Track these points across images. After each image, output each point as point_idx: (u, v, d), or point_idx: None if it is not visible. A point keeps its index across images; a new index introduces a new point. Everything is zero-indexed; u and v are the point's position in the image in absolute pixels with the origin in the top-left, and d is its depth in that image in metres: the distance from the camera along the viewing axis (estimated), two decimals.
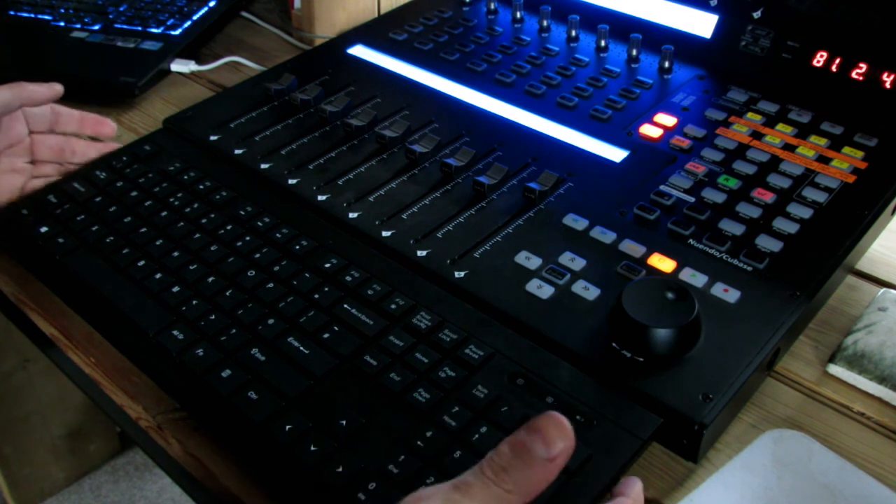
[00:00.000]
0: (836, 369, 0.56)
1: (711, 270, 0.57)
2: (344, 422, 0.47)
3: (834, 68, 0.73)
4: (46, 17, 0.97)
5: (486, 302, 0.55)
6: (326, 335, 0.53)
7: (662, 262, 0.58)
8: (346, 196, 0.65)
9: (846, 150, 0.68)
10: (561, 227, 0.61)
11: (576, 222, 0.62)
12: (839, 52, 0.72)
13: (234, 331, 0.53)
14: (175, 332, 0.53)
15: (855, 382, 0.55)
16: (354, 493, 0.44)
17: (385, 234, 0.61)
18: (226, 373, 0.50)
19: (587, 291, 0.56)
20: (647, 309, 0.51)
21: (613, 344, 0.52)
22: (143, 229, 0.62)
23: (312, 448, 0.46)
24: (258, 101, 0.76)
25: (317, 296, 0.55)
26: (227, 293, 0.56)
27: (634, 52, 0.81)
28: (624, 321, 0.51)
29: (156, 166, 0.69)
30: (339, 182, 0.66)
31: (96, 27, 0.94)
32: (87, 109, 0.75)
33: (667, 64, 0.79)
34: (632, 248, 0.59)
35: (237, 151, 0.70)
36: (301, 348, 0.52)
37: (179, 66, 0.91)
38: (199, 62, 0.92)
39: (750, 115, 0.72)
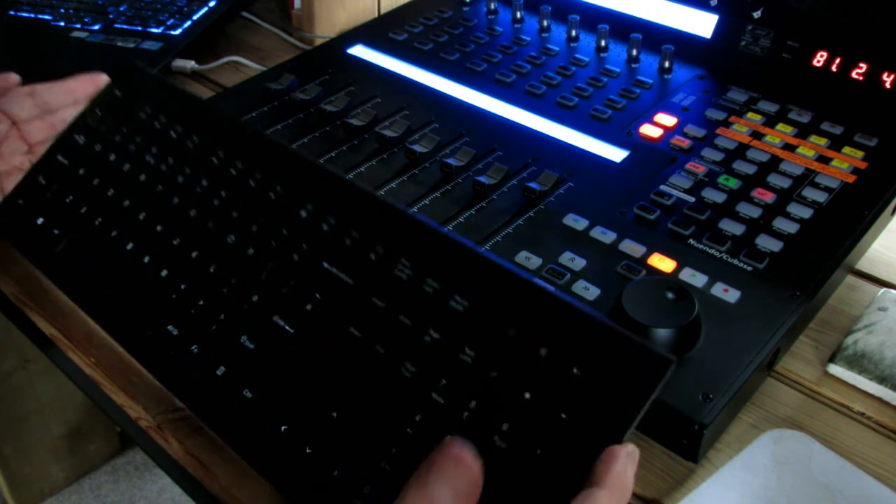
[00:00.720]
0: (836, 369, 0.56)
1: (711, 270, 0.57)
2: (335, 413, 0.47)
3: (834, 68, 0.73)
4: (46, 17, 0.97)
5: None
6: (309, 306, 0.50)
7: (662, 262, 0.58)
8: None
9: (846, 150, 0.68)
10: (561, 227, 0.61)
11: (576, 222, 0.62)
12: (839, 52, 0.72)
13: (222, 316, 0.51)
14: (170, 328, 0.53)
15: (855, 382, 0.55)
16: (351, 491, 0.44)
17: None
18: (220, 370, 0.50)
19: (587, 291, 0.56)
20: (647, 309, 0.51)
21: None
22: (126, 203, 0.59)
23: (307, 443, 0.46)
24: (258, 101, 0.76)
25: (296, 256, 0.52)
26: (211, 269, 0.53)
27: (634, 52, 0.81)
28: (624, 321, 0.51)
29: (128, 115, 0.64)
30: None
31: (96, 27, 0.94)
32: None
33: (667, 64, 0.79)
34: (632, 248, 0.59)
35: None
36: (286, 328, 0.50)
37: (180, 65, 0.91)
38: (199, 62, 0.92)
39: (750, 114, 0.72)
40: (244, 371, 0.50)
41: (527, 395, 0.40)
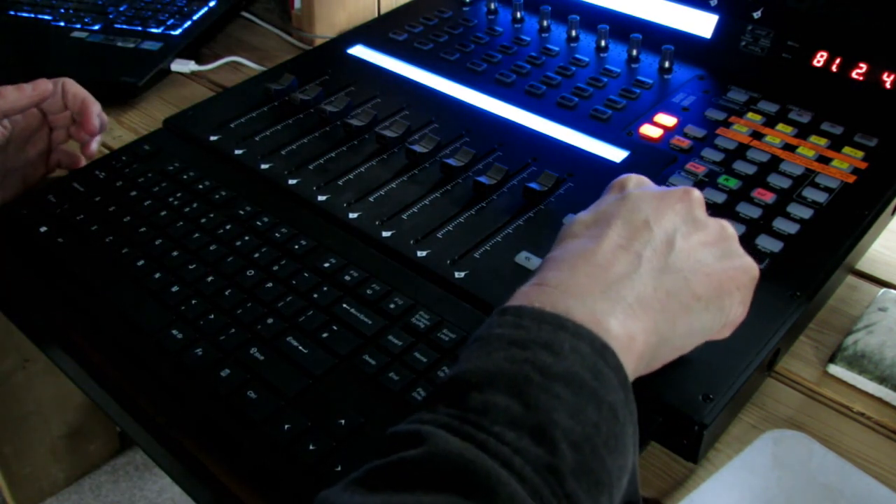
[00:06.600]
0: (836, 369, 0.55)
1: None
2: (343, 421, 0.47)
3: (834, 68, 0.73)
4: (46, 17, 0.97)
5: (487, 302, 0.55)
6: (325, 335, 0.53)
7: None
8: (346, 196, 0.65)
9: (846, 150, 0.68)
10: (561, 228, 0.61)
11: None
12: (839, 52, 0.72)
13: (233, 330, 0.53)
14: (174, 332, 0.53)
15: (855, 382, 0.55)
16: None
17: (385, 234, 0.61)
18: (225, 372, 0.50)
19: None
20: None
21: None
22: (143, 229, 0.62)
23: (311, 447, 0.46)
24: (258, 101, 0.76)
25: (316, 295, 0.55)
26: (227, 293, 0.56)
27: (634, 52, 0.81)
28: None
29: (155, 166, 0.69)
30: (339, 182, 0.66)
31: (96, 27, 0.94)
32: None
33: (667, 64, 0.79)
34: None
35: (237, 151, 0.70)
36: (300, 347, 0.52)
37: (179, 66, 0.91)
38: (199, 62, 0.92)
39: (750, 115, 0.72)
40: (251, 376, 0.50)
41: None
